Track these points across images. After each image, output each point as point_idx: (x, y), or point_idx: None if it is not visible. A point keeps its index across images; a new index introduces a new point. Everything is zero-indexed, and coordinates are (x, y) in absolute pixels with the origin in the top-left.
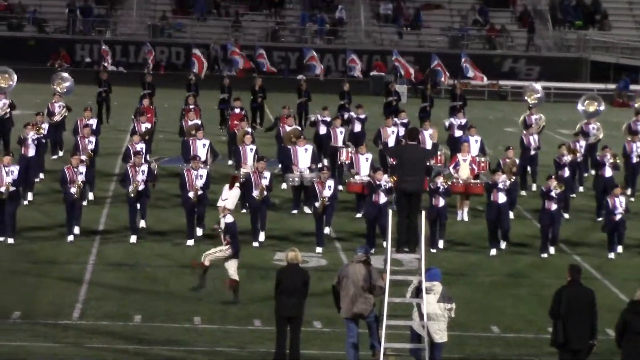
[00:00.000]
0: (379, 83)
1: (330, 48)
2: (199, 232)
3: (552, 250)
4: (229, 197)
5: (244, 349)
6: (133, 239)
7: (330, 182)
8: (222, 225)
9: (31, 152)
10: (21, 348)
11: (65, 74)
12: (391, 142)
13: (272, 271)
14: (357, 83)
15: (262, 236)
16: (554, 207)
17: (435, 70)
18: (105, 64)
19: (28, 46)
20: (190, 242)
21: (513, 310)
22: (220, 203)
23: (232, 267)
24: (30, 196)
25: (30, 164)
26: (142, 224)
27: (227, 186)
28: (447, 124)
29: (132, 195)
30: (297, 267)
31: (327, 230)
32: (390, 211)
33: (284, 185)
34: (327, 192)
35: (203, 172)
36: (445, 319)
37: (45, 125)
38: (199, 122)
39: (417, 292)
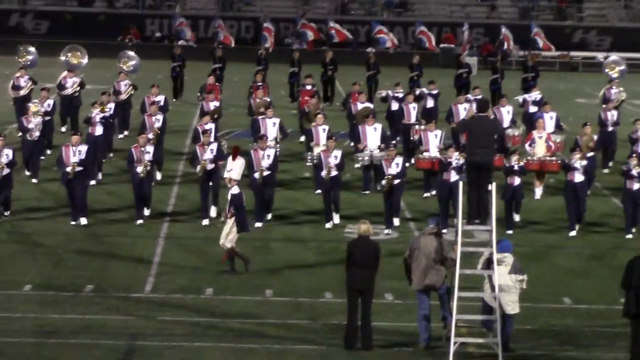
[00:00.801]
0: (448, 55)
1: (400, 21)
2: (269, 216)
3: (630, 234)
4: (234, 167)
5: (316, 322)
6: (205, 222)
7: (398, 160)
8: (228, 200)
9: (98, 130)
10: (94, 320)
11: (131, 52)
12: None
13: (343, 244)
14: (427, 55)
15: (336, 218)
16: (635, 186)
17: (502, 41)
18: (183, 39)
19: (98, 22)
20: (259, 224)
21: (585, 283)
22: (225, 174)
23: (231, 239)
24: (99, 176)
25: (97, 143)
26: (213, 212)
27: (230, 157)
28: (520, 100)
29: (200, 174)
30: (369, 239)
31: (396, 222)
32: (460, 183)
33: (357, 165)
34: (394, 170)
35: (270, 152)
36: (516, 291)
37: (112, 105)
38: (267, 99)
39: (488, 264)
